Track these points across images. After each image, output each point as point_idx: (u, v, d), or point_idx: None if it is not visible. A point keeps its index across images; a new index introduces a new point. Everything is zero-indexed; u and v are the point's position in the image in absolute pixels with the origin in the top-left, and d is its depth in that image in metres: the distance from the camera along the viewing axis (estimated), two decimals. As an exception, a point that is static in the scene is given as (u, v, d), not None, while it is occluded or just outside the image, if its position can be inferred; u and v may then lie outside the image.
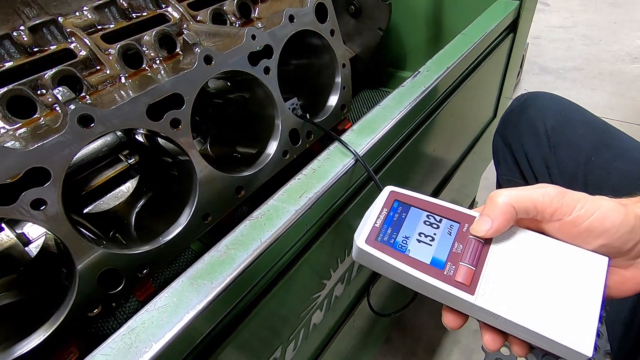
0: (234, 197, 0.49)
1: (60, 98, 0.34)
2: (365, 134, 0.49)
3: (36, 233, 0.59)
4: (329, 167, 0.44)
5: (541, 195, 0.30)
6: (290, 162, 0.57)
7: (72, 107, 0.34)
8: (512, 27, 0.83)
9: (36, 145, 0.32)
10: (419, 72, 0.58)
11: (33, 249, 0.58)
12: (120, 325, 0.32)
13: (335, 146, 0.47)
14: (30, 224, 0.59)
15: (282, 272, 0.41)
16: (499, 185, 0.74)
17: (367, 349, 0.82)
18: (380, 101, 0.54)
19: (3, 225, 0.57)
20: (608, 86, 1.93)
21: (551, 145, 0.60)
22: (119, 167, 0.64)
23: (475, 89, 0.78)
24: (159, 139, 0.56)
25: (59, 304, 0.37)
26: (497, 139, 0.70)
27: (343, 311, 0.61)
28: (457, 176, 0.89)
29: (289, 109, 0.55)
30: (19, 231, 0.58)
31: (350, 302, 0.62)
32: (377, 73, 1.14)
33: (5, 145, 0.33)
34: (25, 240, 0.58)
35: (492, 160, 0.74)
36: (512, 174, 0.68)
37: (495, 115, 1.03)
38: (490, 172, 1.26)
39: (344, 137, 0.48)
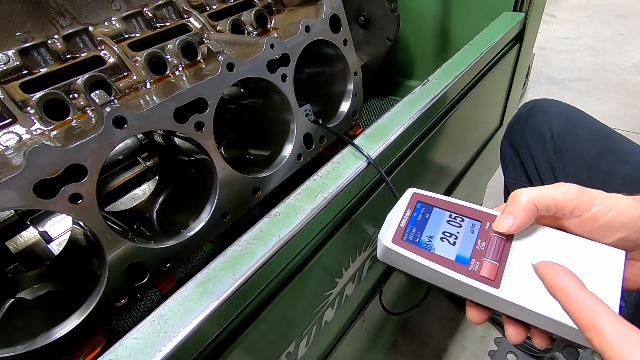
0: (251, 197, 0.51)
1: (97, 101, 0.36)
2: (376, 139, 0.51)
3: (57, 232, 0.62)
4: (343, 169, 0.46)
5: (561, 193, 0.32)
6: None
7: (108, 109, 0.37)
8: (518, 38, 0.86)
9: (76, 144, 0.34)
10: (428, 80, 0.61)
11: (54, 247, 0.61)
12: (135, 323, 0.34)
13: (348, 150, 0.49)
14: (51, 223, 0.62)
15: (298, 267, 0.43)
16: (507, 189, 0.76)
17: (374, 353, 0.83)
18: (388, 109, 0.56)
19: (28, 222, 0.60)
20: (614, 97, 1.94)
21: (557, 150, 0.62)
22: (136, 170, 0.67)
23: (482, 97, 0.81)
24: (176, 139, 0.59)
25: (88, 294, 0.40)
26: (505, 144, 0.72)
27: (353, 311, 0.63)
28: (463, 183, 0.90)
29: (303, 114, 0.57)
30: (41, 229, 0.61)
31: (360, 303, 0.64)
32: (385, 82, 1.16)
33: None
34: (48, 238, 0.61)
35: (498, 168, 0.76)
36: (519, 177, 0.70)
37: (501, 124, 1.05)
38: (495, 181, 1.28)
39: (356, 142, 0.50)
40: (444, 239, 0.34)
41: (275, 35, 0.64)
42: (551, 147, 0.63)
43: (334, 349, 0.61)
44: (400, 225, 0.35)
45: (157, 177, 0.67)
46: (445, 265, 0.32)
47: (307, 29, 0.54)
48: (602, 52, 2.33)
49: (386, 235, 0.35)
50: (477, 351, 1.04)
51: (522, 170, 0.69)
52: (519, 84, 0.99)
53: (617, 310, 0.28)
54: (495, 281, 0.31)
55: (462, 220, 0.35)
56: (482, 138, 0.97)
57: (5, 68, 0.46)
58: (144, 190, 0.68)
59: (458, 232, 0.34)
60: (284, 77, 0.52)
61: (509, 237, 0.33)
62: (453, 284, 0.32)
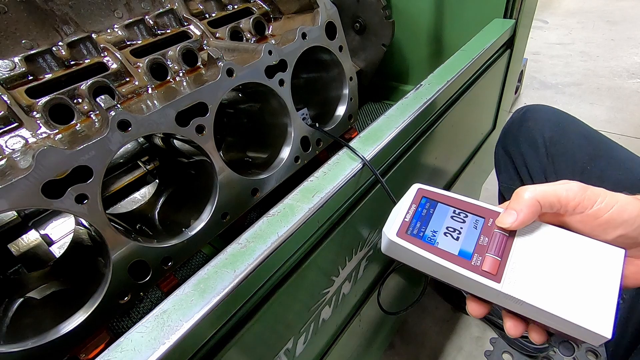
0: (250, 198, 0.53)
1: (103, 105, 0.38)
2: (371, 141, 0.52)
3: (58, 235, 0.64)
4: (339, 170, 0.48)
5: (565, 190, 0.33)
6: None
7: (113, 113, 0.38)
8: (509, 44, 0.88)
9: (83, 146, 0.36)
10: (421, 85, 0.62)
11: (55, 250, 0.62)
12: (134, 323, 0.35)
13: (344, 152, 0.51)
14: (52, 226, 0.63)
15: (296, 265, 0.45)
16: (501, 193, 0.78)
17: (371, 353, 0.84)
18: (383, 113, 0.58)
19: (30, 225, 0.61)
20: (607, 101, 1.98)
21: (549, 155, 0.64)
22: (137, 173, 0.68)
23: (475, 101, 0.83)
24: (176, 142, 0.60)
25: (93, 292, 0.41)
26: (499, 149, 0.74)
27: (350, 310, 0.64)
28: (457, 186, 0.92)
29: (300, 118, 0.59)
30: (42, 232, 0.62)
31: (356, 302, 0.65)
32: (380, 87, 1.19)
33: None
34: (49, 241, 0.62)
35: (492, 171, 0.78)
36: (513, 182, 0.72)
37: (494, 127, 1.07)
38: (490, 184, 1.30)
39: (351, 144, 0.52)
40: (447, 234, 0.35)
41: (273, 41, 0.66)
42: (543, 153, 0.64)
43: (332, 347, 0.62)
44: (405, 219, 0.36)
45: (157, 180, 0.69)
46: (448, 259, 0.33)
47: (303, 35, 0.56)
48: (594, 57, 2.37)
49: (391, 229, 0.35)
50: (473, 351, 1.05)
51: (516, 176, 0.71)
52: (510, 89, 1.01)
53: (615, 307, 0.29)
54: (496, 275, 0.32)
55: (466, 216, 0.36)
56: (476, 141, 0.99)
57: (11, 74, 0.47)
58: (143, 194, 0.69)
59: (461, 228, 0.35)
60: (281, 82, 0.54)
61: (511, 234, 0.34)
62: (455, 277, 0.33)
